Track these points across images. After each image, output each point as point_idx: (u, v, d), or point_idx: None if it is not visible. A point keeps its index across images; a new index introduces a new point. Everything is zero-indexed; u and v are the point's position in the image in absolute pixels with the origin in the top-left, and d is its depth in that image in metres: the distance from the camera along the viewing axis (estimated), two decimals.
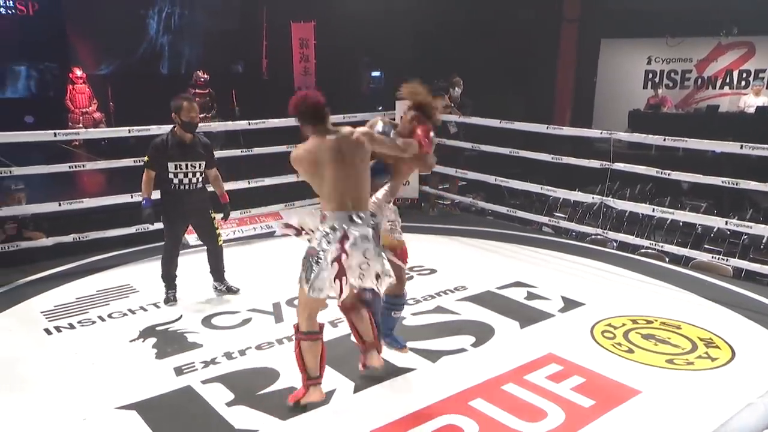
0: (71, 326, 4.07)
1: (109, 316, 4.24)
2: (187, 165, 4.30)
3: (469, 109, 7.01)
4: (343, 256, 2.83)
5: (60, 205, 5.28)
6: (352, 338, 3.36)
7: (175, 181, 4.29)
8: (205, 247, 4.62)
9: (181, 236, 4.53)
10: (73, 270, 5.11)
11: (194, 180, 4.36)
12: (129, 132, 5.51)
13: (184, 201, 4.33)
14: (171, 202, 4.33)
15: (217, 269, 4.62)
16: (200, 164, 4.36)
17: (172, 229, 4.41)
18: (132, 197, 5.51)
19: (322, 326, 3.10)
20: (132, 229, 5.56)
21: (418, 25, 11.19)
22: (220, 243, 4.60)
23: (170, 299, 4.44)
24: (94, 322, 4.14)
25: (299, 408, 3.03)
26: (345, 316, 3.31)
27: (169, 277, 4.47)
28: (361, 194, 2.95)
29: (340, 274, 2.83)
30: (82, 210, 5.56)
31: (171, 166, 4.25)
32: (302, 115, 2.94)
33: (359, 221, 2.89)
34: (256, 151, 6.26)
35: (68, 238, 5.31)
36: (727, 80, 11.34)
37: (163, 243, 4.49)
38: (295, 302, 4.24)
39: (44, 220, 5.56)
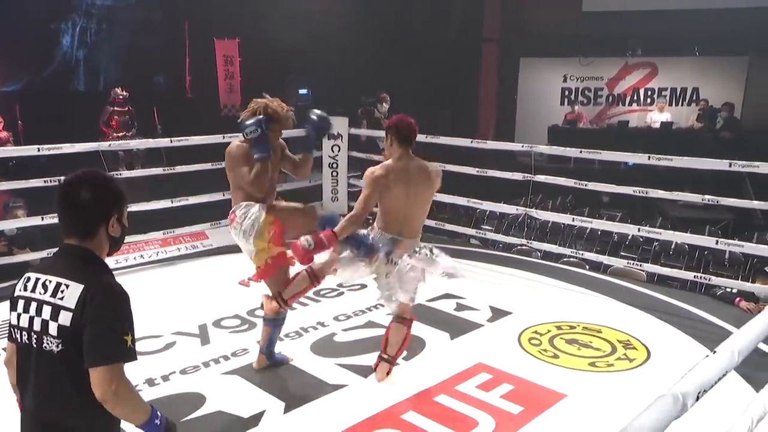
0: None
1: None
2: None
3: None
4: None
5: None
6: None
7: None
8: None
9: None
10: None
11: None
12: (38, 150, 5.18)
13: None
14: None
15: None
16: None
17: None
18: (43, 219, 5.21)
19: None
20: None
21: (344, 45, 11.28)
22: None
23: None
24: None
25: None
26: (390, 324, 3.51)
27: None
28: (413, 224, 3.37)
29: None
30: None
31: None
32: (399, 134, 3.35)
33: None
34: (179, 169, 6.05)
35: None
36: (635, 97, 12.12)
37: None
38: (223, 323, 4.21)
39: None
